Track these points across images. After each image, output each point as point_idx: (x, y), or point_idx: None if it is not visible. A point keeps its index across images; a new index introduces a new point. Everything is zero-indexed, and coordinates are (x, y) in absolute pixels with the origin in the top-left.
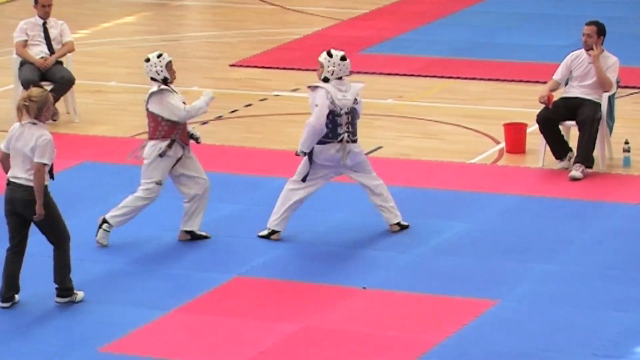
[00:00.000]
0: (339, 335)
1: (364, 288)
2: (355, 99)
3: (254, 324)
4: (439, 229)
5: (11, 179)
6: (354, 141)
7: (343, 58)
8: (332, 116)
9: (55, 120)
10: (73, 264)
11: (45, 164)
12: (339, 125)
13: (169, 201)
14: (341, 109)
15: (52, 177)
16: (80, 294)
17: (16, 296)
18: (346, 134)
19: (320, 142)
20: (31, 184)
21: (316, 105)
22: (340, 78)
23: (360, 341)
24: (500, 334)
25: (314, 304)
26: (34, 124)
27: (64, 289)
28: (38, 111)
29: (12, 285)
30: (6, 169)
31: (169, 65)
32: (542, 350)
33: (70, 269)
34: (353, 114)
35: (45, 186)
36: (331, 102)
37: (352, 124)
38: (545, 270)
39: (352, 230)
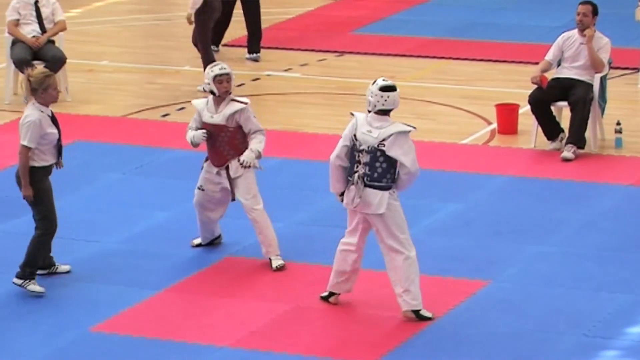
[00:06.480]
0: (329, 313)
1: None
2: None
3: (245, 303)
4: (432, 209)
5: None
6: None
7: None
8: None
9: None
10: (64, 244)
11: (26, 147)
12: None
13: (159, 180)
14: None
15: (59, 156)
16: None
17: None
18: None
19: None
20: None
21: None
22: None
23: (355, 321)
24: (491, 315)
25: (305, 284)
26: (32, 102)
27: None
28: (32, 91)
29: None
30: None
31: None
32: (534, 330)
33: (37, 255)
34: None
35: (36, 168)
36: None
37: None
38: (537, 251)
39: (342, 211)
